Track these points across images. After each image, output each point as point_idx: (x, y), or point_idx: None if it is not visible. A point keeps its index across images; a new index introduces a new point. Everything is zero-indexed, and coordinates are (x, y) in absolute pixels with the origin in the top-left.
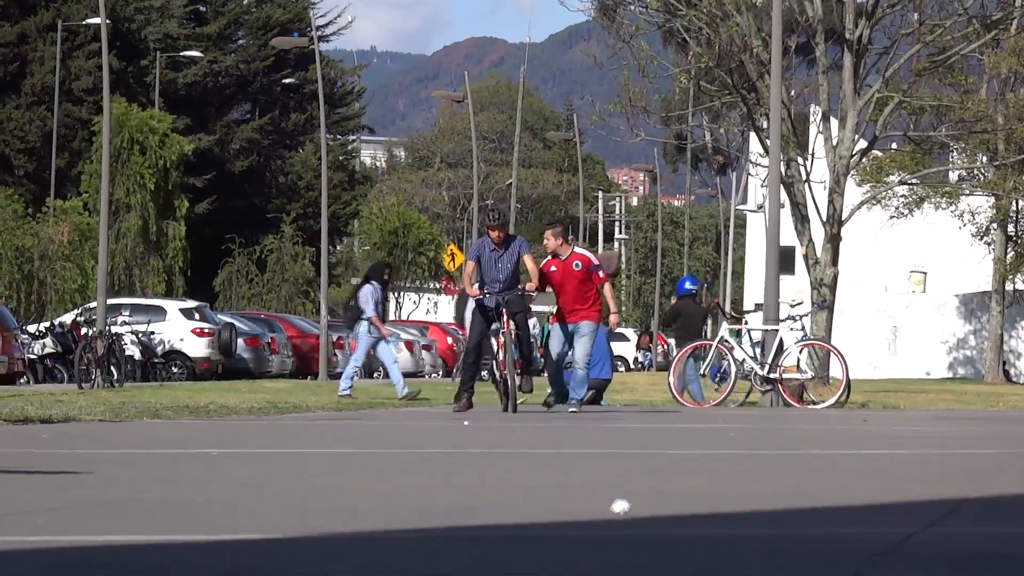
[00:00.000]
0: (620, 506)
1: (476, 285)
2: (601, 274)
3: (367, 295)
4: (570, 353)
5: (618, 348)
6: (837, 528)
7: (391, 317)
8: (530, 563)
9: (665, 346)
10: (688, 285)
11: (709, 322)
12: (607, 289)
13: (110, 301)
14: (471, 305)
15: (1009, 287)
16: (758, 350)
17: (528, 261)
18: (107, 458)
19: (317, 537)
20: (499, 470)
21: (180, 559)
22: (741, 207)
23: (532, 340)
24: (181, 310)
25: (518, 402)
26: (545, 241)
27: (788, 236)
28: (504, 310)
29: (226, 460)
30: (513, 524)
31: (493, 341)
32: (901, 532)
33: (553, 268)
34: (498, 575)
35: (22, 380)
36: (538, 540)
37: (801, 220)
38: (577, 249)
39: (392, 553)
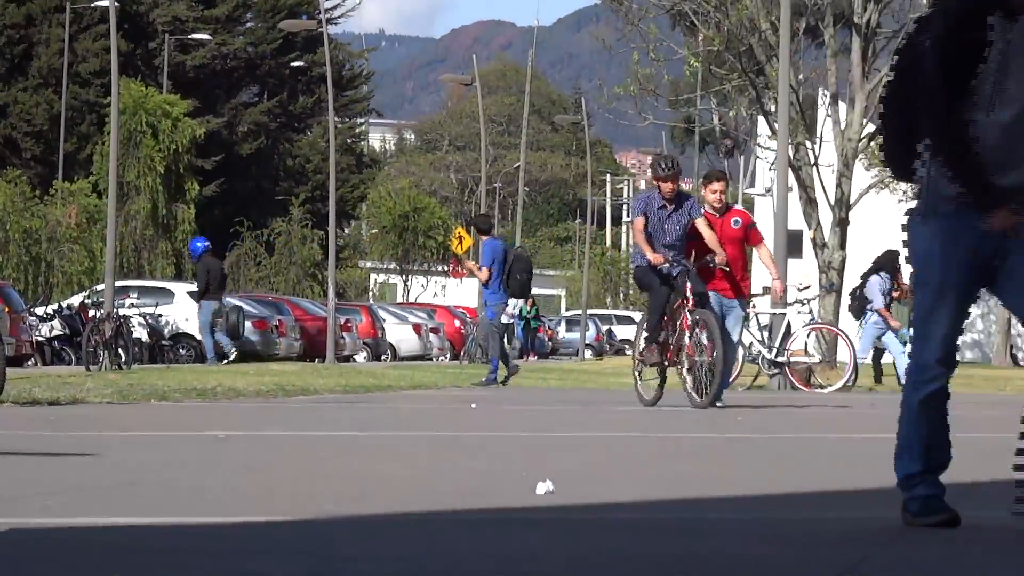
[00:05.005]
0: (544, 487)
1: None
2: (759, 233)
3: (874, 286)
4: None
5: (626, 331)
6: (846, 512)
7: (399, 299)
8: (534, 546)
9: None
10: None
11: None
12: (764, 251)
13: (118, 283)
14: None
15: None
16: (766, 334)
17: (704, 227)
18: (115, 440)
19: (327, 520)
20: (507, 454)
21: (189, 542)
22: (749, 191)
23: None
24: (189, 292)
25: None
26: (715, 195)
27: (796, 220)
28: (690, 285)
29: (234, 443)
30: (519, 507)
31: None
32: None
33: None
34: (503, 559)
35: (30, 362)
36: (543, 523)
37: (809, 204)
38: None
39: (401, 536)
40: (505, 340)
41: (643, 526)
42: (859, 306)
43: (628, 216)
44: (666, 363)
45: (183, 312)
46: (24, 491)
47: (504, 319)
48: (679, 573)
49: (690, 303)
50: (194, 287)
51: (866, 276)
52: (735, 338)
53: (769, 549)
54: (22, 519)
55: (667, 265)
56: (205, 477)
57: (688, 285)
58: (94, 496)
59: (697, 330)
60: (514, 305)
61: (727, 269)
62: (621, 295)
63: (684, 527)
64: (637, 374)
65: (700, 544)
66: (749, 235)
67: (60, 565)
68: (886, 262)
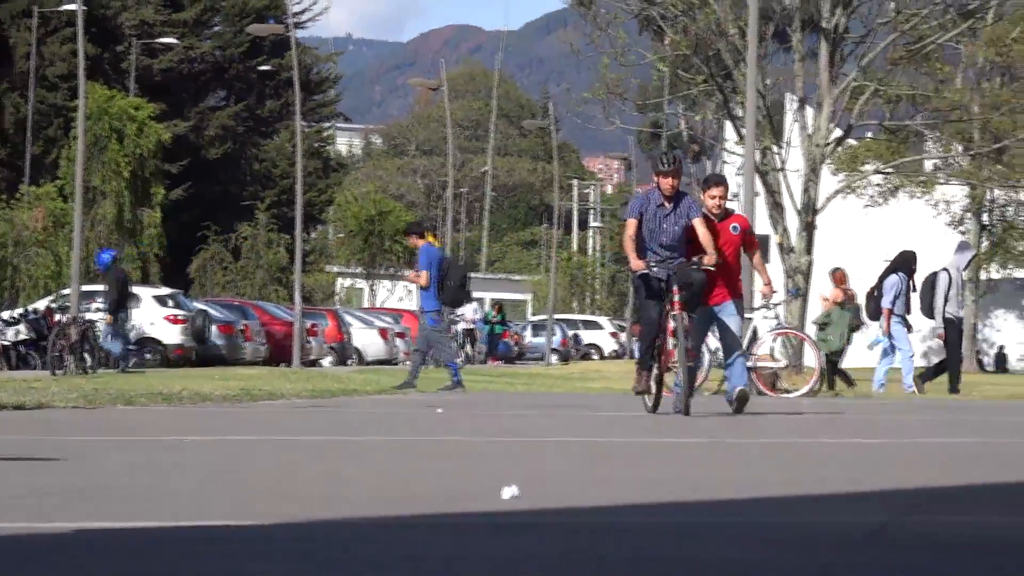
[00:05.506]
0: (509, 492)
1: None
2: (755, 239)
3: (889, 285)
4: (711, 339)
5: (592, 336)
6: (811, 516)
7: (365, 304)
8: (534, 548)
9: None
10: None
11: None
12: (758, 257)
13: (84, 288)
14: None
15: (983, 276)
16: None
17: (700, 227)
18: (81, 445)
19: (299, 523)
20: (488, 457)
21: (166, 545)
22: None
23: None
24: (155, 297)
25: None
26: (714, 200)
27: (763, 224)
28: (674, 286)
29: (204, 447)
30: (493, 512)
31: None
32: (875, 520)
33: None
34: (480, 561)
35: None
36: (521, 527)
37: (776, 208)
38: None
39: (372, 540)
40: (446, 347)
41: (640, 529)
42: (876, 307)
43: (594, 220)
44: (658, 371)
45: (149, 316)
46: None
47: (465, 324)
48: None
49: (675, 307)
50: (160, 291)
51: (883, 276)
52: (737, 332)
53: (769, 552)
54: None
55: (653, 268)
56: (178, 481)
57: (674, 288)
58: (62, 500)
59: (679, 335)
60: (475, 310)
61: (713, 268)
62: (588, 300)
63: (681, 530)
64: None
65: (699, 547)
66: (746, 240)
67: (38, 567)
68: (902, 262)
